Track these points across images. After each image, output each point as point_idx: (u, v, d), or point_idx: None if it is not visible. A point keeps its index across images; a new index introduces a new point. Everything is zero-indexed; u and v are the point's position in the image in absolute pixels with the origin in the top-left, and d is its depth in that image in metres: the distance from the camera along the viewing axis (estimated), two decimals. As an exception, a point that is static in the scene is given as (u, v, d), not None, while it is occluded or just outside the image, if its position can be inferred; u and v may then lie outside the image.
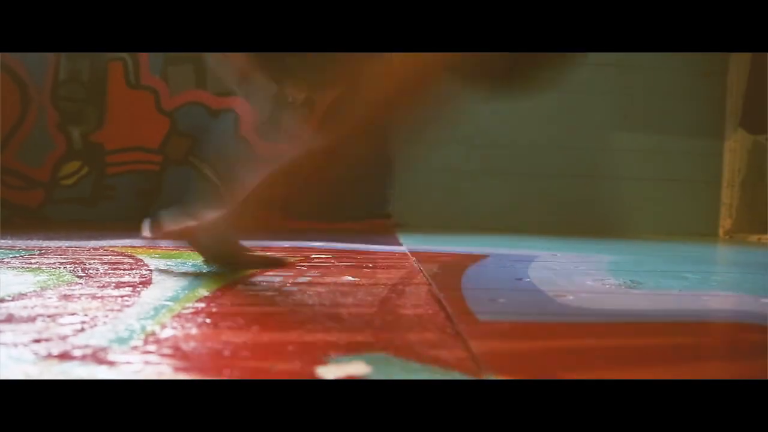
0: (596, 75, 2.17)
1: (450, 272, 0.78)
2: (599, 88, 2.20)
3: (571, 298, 0.60)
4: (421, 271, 0.79)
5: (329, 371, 0.34)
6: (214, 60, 0.78)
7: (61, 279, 0.68)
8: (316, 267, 0.83)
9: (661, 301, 0.60)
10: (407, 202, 2.07)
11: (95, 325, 0.44)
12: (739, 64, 2.25)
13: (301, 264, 0.86)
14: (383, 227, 1.98)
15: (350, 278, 0.72)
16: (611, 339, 0.43)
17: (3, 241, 1.24)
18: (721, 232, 2.30)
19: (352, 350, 0.38)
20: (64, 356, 0.36)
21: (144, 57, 2.03)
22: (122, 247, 1.12)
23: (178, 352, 0.37)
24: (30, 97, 2.04)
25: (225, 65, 0.86)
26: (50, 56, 2.02)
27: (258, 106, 2.01)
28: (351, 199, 2.00)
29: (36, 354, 0.36)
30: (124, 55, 2.03)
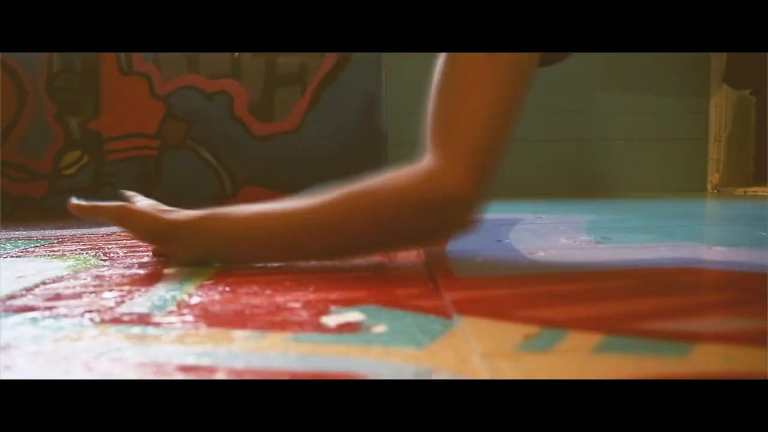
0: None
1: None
2: (586, 54, 2.25)
3: (542, 254, 0.68)
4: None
5: (331, 320, 0.42)
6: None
7: (88, 263, 0.76)
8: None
9: (621, 254, 0.68)
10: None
11: (133, 298, 0.52)
12: (720, 20, 2.30)
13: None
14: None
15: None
16: (563, 285, 0.51)
17: (17, 232, 1.32)
18: (709, 186, 2.39)
19: (349, 303, 0.46)
20: (116, 320, 0.44)
21: (135, 45, 2.07)
22: (133, 231, 1.19)
23: (207, 313, 0.46)
24: (26, 89, 2.09)
25: None
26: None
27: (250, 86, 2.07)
28: (347, 174, 2.08)
29: (92, 320, 0.44)
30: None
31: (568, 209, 1.42)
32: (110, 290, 0.56)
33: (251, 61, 2.09)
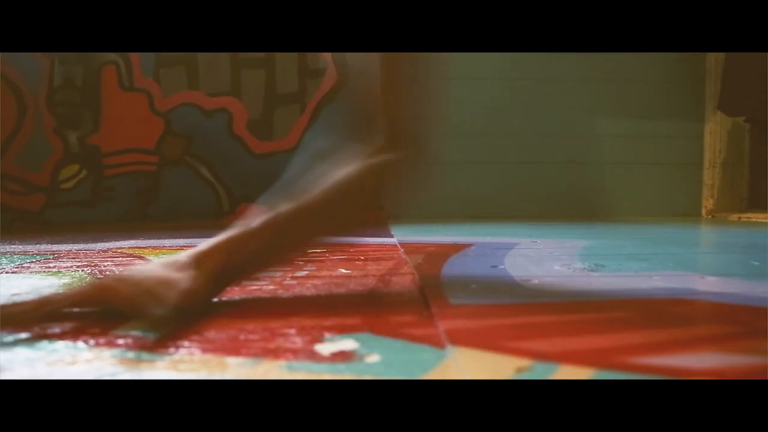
0: (575, 63, 2.25)
1: (433, 262, 0.87)
2: (579, 75, 2.28)
3: (536, 282, 0.68)
4: (407, 261, 0.88)
5: (325, 348, 0.42)
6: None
7: (84, 281, 0.77)
8: (312, 261, 0.92)
9: (614, 283, 0.68)
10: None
11: (128, 320, 0.52)
12: (715, 48, 2.33)
13: (298, 259, 0.94)
14: (377, 219, 2.06)
15: (343, 270, 0.80)
16: (556, 316, 0.51)
17: (13, 246, 1.32)
18: (703, 212, 2.40)
19: (344, 331, 0.47)
20: (111, 344, 0.44)
21: (136, 60, 2.09)
22: (129, 248, 1.20)
23: (202, 338, 0.46)
24: (26, 103, 2.11)
25: None
26: (44, 62, 2.09)
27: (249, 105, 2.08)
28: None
29: (87, 343, 0.45)
30: (117, 58, 2.09)
31: (563, 233, 1.42)
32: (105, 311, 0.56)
33: (251, 79, 2.11)
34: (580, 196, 2.30)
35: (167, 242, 1.32)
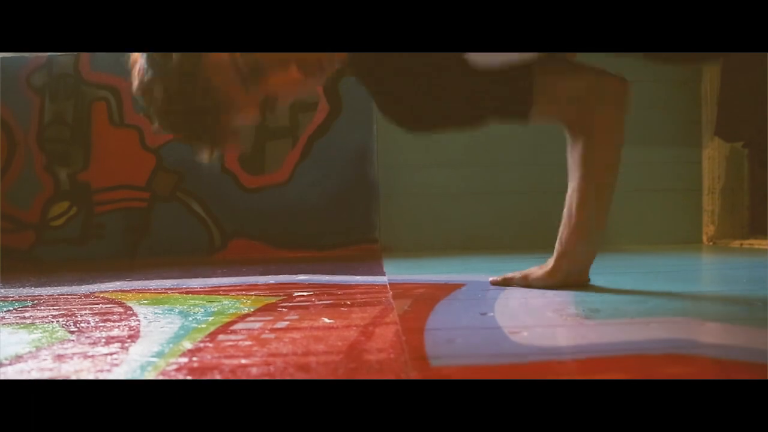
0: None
1: (420, 309, 0.83)
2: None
3: (525, 334, 0.65)
4: (393, 307, 0.84)
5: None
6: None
7: (54, 336, 0.73)
8: (296, 308, 0.88)
9: (608, 334, 0.65)
10: (393, 227, 2.12)
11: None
12: (711, 72, 2.32)
13: (282, 305, 0.90)
14: (371, 252, 2.02)
15: (326, 320, 0.77)
16: (540, 379, 0.48)
17: (-4, 289, 1.29)
18: (704, 238, 2.36)
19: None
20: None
21: (127, 96, 2.08)
22: (112, 292, 1.16)
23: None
24: (16, 140, 2.09)
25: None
26: (35, 99, 2.08)
27: (241, 139, 2.07)
28: (338, 226, 2.06)
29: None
30: (107, 94, 2.08)
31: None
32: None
33: (243, 114, 2.09)
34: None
35: (153, 284, 1.28)
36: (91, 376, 0.53)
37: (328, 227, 2.10)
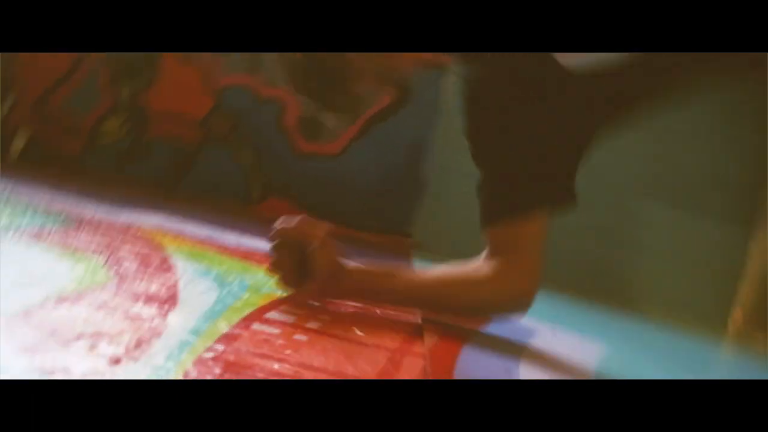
0: (629, 139, 2.18)
1: (448, 348, 0.81)
2: (632, 152, 2.20)
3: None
4: (422, 338, 0.83)
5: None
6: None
7: (95, 277, 0.75)
8: (325, 308, 0.87)
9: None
10: (430, 225, 2.10)
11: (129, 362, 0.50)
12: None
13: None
14: (400, 246, 1.99)
15: (358, 332, 0.77)
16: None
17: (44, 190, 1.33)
18: (730, 324, 2.31)
19: None
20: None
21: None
22: (151, 230, 1.17)
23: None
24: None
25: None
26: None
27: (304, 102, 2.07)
28: (376, 211, 2.05)
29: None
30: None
31: (584, 322, 1.38)
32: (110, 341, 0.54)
33: (312, 78, 2.09)
34: (608, 274, 2.23)
35: (189, 228, 1.30)
36: (133, 341, 0.55)
37: (366, 209, 2.09)
